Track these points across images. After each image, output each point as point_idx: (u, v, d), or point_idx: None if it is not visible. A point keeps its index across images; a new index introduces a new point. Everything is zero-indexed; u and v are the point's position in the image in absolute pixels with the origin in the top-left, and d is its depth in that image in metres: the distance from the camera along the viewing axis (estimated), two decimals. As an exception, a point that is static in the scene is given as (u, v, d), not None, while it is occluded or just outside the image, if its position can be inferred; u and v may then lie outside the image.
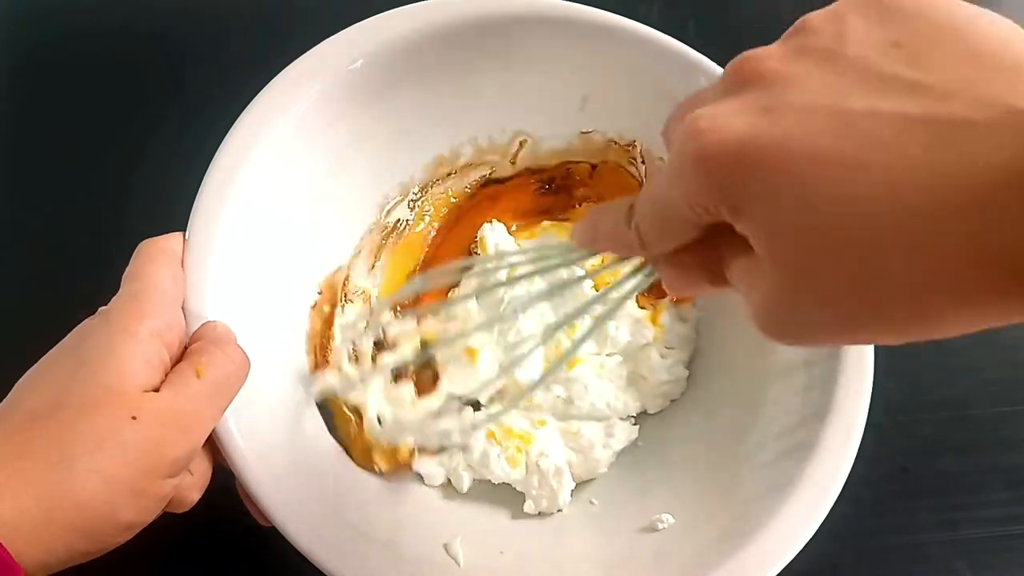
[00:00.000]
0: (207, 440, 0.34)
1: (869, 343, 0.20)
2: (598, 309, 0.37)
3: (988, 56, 0.19)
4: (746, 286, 0.23)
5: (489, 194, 0.49)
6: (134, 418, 0.28)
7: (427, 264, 0.48)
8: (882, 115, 0.19)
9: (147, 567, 0.41)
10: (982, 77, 0.18)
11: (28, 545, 0.26)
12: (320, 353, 0.43)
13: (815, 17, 0.22)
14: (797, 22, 0.22)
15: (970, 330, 0.19)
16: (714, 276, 0.25)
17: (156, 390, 0.30)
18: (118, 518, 0.28)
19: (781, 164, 0.20)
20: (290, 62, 0.40)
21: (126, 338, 0.30)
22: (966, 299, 0.18)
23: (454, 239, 0.49)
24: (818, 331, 0.21)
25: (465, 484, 0.42)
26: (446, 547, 0.39)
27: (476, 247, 0.48)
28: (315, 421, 0.41)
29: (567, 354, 0.41)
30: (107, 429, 0.28)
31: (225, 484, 0.35)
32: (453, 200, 0.49)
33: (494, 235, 0.47)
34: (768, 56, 0.22)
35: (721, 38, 0.43)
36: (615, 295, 0.31)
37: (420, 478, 0.43)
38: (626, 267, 0.31)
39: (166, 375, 0.31)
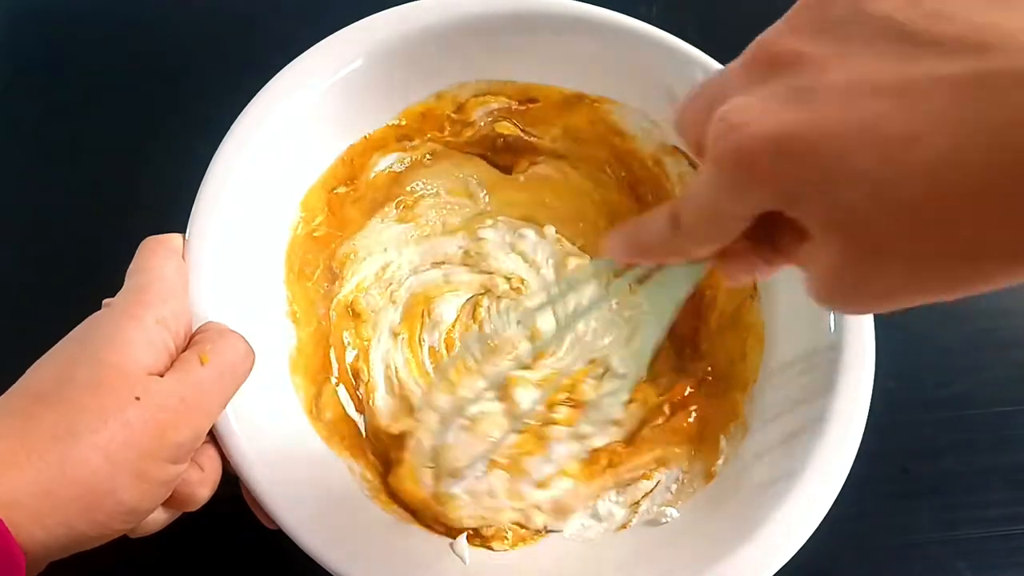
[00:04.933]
0: (217, 441, 0.34)
1: (926, 302, 0.21)
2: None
3: None
4: (804, 263, 0.22)
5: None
6: (138, 399, 0.28)
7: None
8: (921, 82, 0.18)
9: (152, 570, 0.41)
10: (1014, 19, 0.18)
11: (28, 519, 0.26)
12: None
13: None
14: None
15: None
16: (771, 257, 0.25)
17: (161, 376, 0.30)
18: (119, 498, 0.28)
19: (822, 150, 0.19)
20: (289, 63, 0.40)
21: (132, 324, 0.31)
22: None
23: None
24: (879, 300, 0.21)
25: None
26: (452, 545, 0.39)
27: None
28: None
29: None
30: (111, 407, 0.28)
31: (231, 489, 0.35)
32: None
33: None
34: (788, 36, 0.21)
35: (721, 38, 0.43)
36: (675, 296, 0.30)
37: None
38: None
39: (172, 363, 0.31)
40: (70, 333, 0.31)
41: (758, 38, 0.22)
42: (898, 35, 0.19)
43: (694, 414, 0.43)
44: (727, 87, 0.23)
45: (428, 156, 0.47)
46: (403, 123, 0.45)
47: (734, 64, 0.23)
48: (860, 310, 0.21)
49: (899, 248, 0.19)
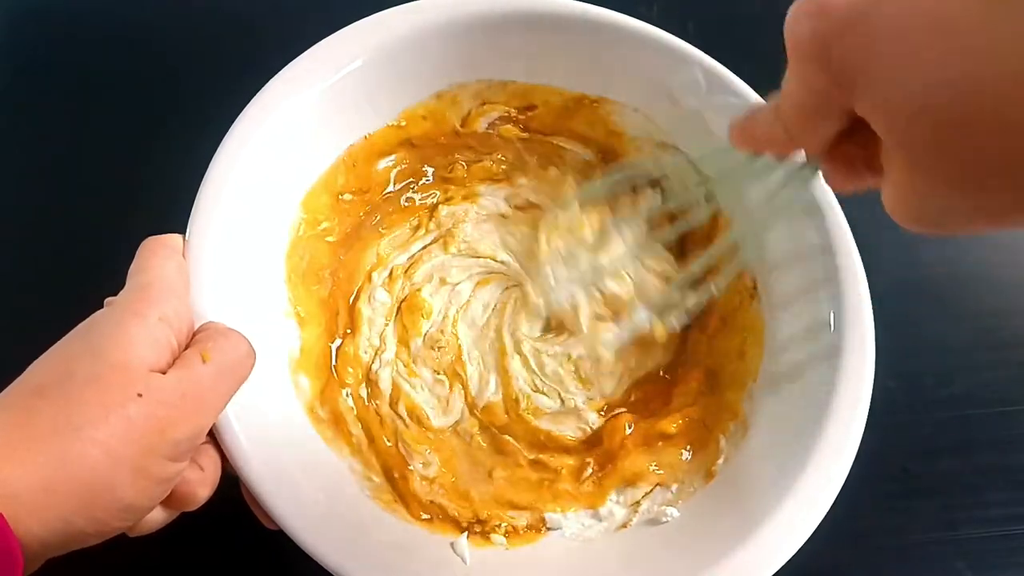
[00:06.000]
0: (217, 441, 0.34)
1: (1008, 228, 0.19)
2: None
3: None
4: (883, 174, 0.22)
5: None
6: (139, 395, 0.28)
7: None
8: None
9: (152, 570, 0.41)
10: None
11: (26, 514, 0.26)
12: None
13: None
14: None
15: None
16: (873, 166, 0.24)
17: (163, 373, 0.30)
18: (118, 494, 0.28)
19: (885, 33, 0.18)
20: (289, 63, 0.40)
21: (134, 321, 0.31)
22: None
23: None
24: (951, 217, 0.20)
25: None
26: (452, 545, 0.39)
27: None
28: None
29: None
30: (112, 402, 0.28)
31: (231, 489, 0.35)
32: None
33: None
34: None
35: (721, 38, 0.43)
36: (783, 196, 0.31)
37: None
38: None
39: (174, 361, 0.31)
40: (72, 330, 0.31)
41: None
42: None
43: (676, 425, 0.43)
44: None
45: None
46: (403, 124, 0.45)
47: None
48: (929, 228, 0.21)
49: (965, 144, 0.18)
